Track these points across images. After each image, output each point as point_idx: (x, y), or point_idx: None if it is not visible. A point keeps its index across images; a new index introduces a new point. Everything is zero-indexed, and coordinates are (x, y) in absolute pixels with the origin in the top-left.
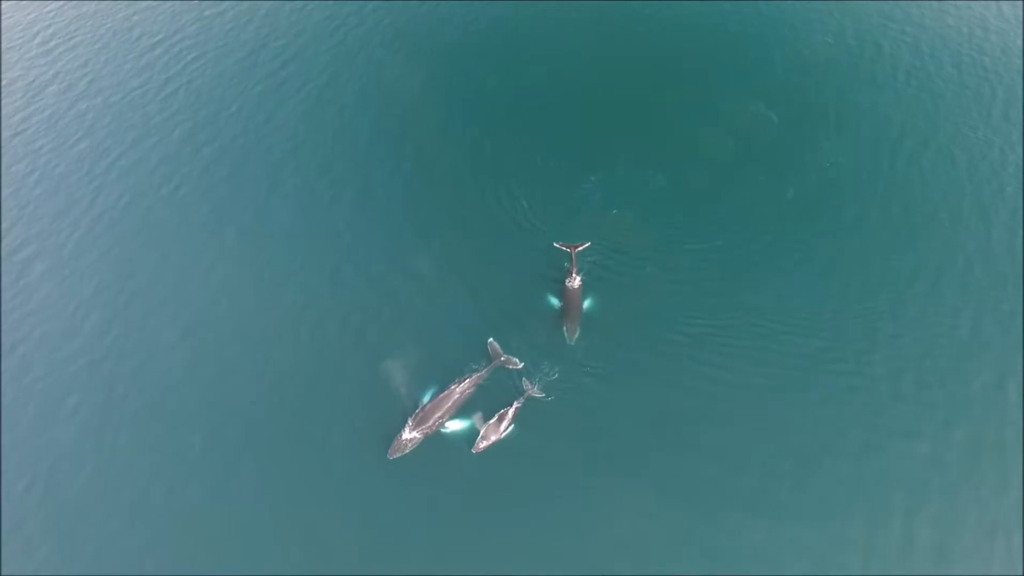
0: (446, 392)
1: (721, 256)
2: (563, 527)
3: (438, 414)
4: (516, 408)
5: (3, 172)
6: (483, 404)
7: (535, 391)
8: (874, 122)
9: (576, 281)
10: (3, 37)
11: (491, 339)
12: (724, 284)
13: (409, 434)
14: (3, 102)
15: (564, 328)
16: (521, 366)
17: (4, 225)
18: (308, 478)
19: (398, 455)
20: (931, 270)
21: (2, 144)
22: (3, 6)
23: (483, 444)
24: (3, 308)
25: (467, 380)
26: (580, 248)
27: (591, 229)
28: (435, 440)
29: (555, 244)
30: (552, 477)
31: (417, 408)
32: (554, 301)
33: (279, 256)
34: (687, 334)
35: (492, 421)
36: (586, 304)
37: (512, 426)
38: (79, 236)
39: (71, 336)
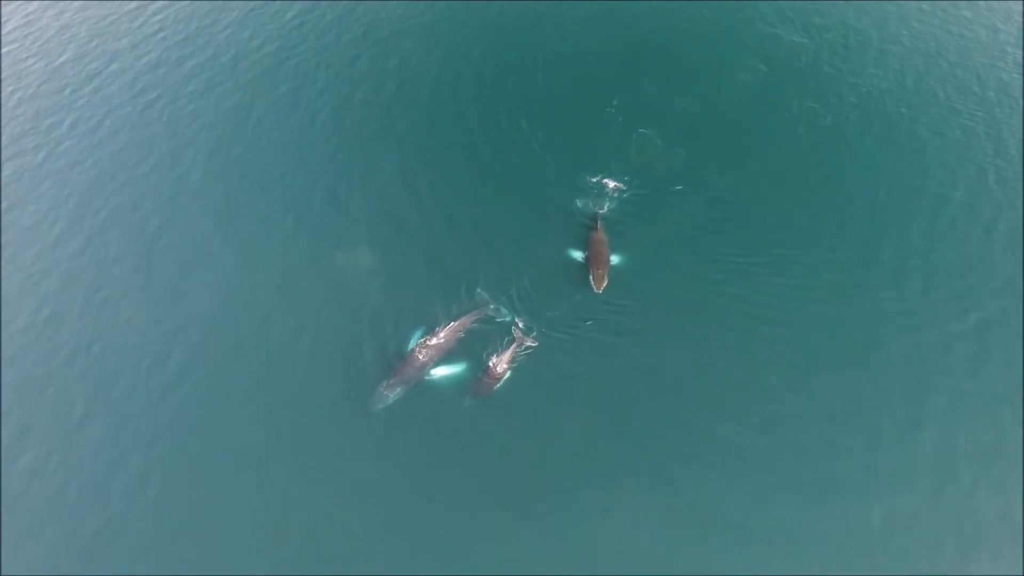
0: (431, 337)
1: (756, 183)
2: (569, 500)
3: (422, 361)
4: (509, 357)
5: None
6: (471, 351)
7: (531, 340)
8: (915, 52)
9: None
10: None
11: (479, 289)
12: (761, 213)
13: (391, 382)
14: None
15: (590, 276)
16: (509, 318)
17: None
18: (278, 430)
19: (380, 406)
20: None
21: None
22: None
23: (475, 397)
24: None
25: (453, 325)
26: (611, 187)
27: (612, 153)
28: (421, 389)
29: (578, 203)
30: (559, 439)
31: (402, 354)
32: (575, 249)
33: (256, 177)
34: (722, 270)
35: (481, 375)
36: (612, 251)
37: (507, 375)
38: (56, 147)
39: (41, 244)
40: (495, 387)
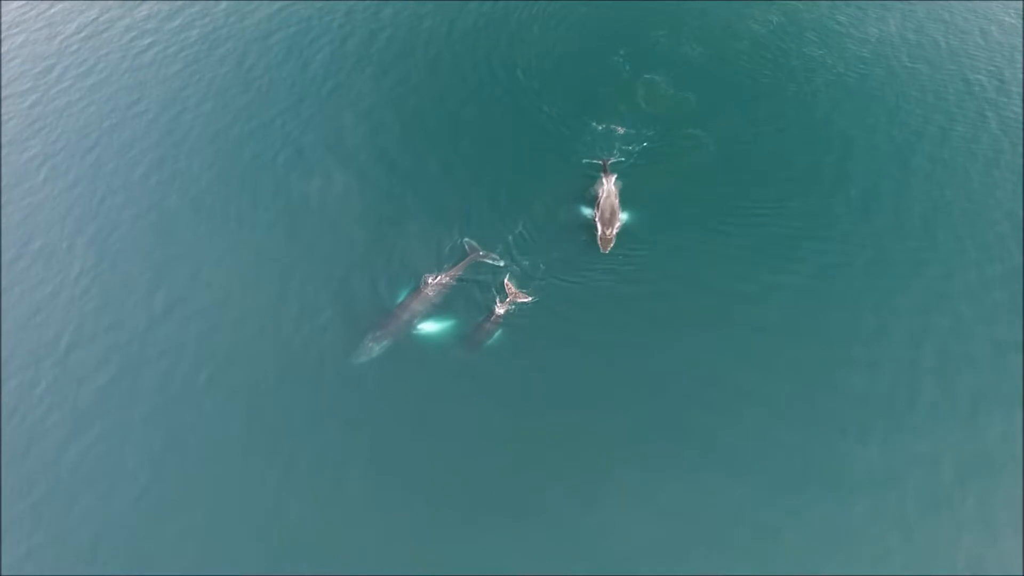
0: (418, 290)
1: (766, 130)
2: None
3: (411, 314)
4: (499, 313)
5: None
6: (460, 307)
7: (524, 296)
8: (922, 6)
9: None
10: None
11: (466, 238)
12: (772, 160)
13: (378, 335)
14: None
15: (597, 236)
16: (503, 264)
17: None
18: (258, 380)
19: (364, 359)
20: None
21: None
22: None
23: (468, 348)
24: None
25: (444, 276)
26: (620, 134)
27: (619, 101)
28: (407, 343)
29: (584, 154)
30: (556, 411)
31: (389, 307)
32: (584, 205)
33: (248, 120)
34: (733, 223)
35: (476, 328)
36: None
37: (499, 332)
38: (49, 90)
39: (33, 180)
40: (487, 341)
